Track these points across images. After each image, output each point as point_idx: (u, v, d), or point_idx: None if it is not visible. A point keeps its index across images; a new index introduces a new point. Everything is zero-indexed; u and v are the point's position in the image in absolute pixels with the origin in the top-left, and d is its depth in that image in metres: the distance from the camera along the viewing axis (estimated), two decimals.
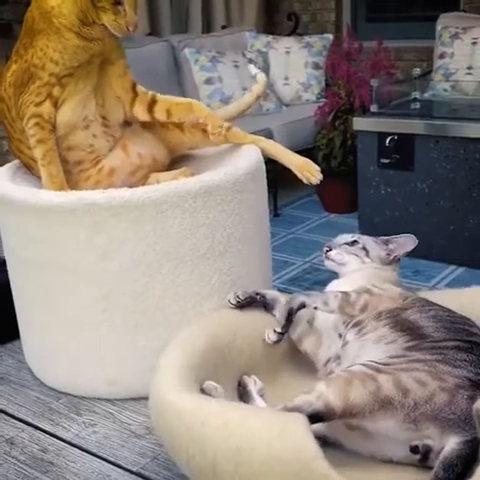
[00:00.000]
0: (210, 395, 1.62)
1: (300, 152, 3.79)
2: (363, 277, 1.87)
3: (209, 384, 1.65)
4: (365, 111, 3.44)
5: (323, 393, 1.44)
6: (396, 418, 1.42)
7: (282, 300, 1.93)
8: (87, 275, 1.98)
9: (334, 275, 1.99)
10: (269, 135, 3.72)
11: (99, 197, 1.88)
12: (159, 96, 2.17)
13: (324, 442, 1.46)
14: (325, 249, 1.99)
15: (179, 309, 2.01)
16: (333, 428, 1.51)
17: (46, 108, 1.99)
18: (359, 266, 1.93)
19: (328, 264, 1.98)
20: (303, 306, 1.80)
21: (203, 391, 1.63)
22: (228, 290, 2.00)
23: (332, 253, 1.97)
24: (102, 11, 1.91)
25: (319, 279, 2.87)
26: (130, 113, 2.15)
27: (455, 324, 1.63)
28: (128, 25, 1.94)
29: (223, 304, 1.97)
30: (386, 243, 1.95)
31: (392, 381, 1.43)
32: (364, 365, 1.50)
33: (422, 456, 1.42)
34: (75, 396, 2.10)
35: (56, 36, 1.94)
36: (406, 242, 1.94)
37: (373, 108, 3.26)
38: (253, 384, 1.76)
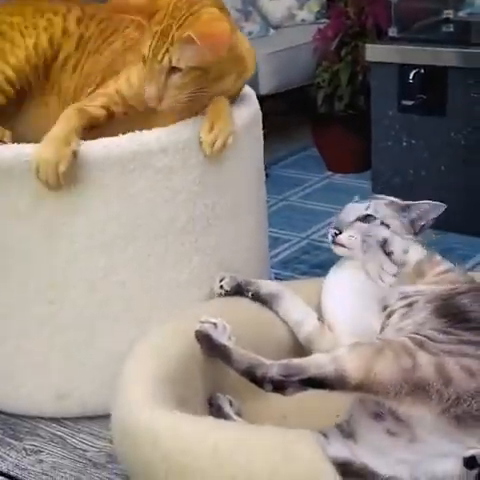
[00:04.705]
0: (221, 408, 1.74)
1: (295, 90, 3.94)
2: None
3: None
4: (381, 36, 3.52)
5: (340, 358, 1.51)
6: (430, 409, 1.48)
7: (285, 295, 2.01)
8: (30, 257, 2.04)
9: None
10: None
11: None
12: None
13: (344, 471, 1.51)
14: (332, 232, 1.99)
15: (149, 301, 2.09)
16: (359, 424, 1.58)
17: None
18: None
19: (338, 251, 1.99)
20: None
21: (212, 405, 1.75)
22: (212, 275, 2.08)
23: (343, 237, 1.97)
24: None
25: (319, 261, 2.91)
26: None
27: None
28: None
29: (206, 294, 2.07)
30: (406, 209, 2.00)
31: (434, 364, 1.50)
32: (409, 338, 1.57)
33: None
34: (12, 415, 2.17)
35: None
36: (432, 208, 1.98)
37: (392, 32, 3.33)
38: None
